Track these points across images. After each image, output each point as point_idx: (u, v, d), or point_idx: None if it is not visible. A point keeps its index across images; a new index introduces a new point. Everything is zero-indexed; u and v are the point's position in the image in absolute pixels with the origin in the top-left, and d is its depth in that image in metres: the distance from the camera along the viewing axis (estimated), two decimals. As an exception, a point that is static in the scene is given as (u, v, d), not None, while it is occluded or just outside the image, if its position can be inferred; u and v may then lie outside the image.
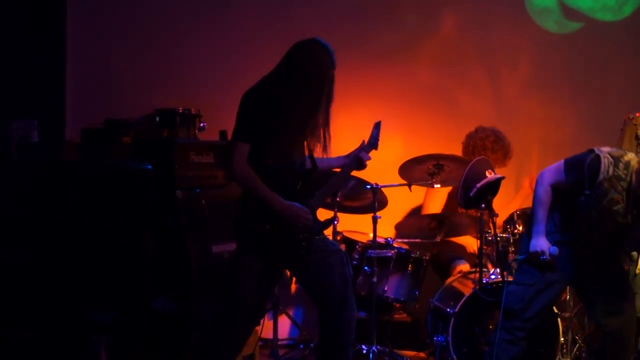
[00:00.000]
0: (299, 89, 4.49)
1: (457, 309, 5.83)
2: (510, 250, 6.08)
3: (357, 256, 6.24)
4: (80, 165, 5.17)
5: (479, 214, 5.90)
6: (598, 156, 4.69)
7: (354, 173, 5.05)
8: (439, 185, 6.25)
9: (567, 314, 5.98)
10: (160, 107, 6.43)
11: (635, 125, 5.77)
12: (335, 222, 6.24)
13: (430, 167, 6.24)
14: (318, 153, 4.70)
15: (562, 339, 5.87)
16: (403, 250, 6.28)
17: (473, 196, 5.65)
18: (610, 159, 4.67)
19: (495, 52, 7.37)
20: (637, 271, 5.62)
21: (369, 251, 6.10)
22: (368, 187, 6.17)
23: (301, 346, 6.74)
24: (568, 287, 5.83)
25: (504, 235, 6.11)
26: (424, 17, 7.30)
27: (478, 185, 5.60)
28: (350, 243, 6.35)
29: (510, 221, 6.18)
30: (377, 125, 4.86)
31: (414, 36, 7.28)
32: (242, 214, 4.60)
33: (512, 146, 6.69)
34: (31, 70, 6.53)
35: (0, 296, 4.95)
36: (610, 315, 4.96)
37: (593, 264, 4.94)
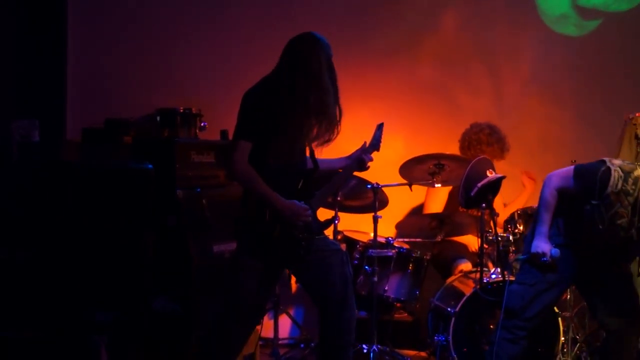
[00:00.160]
0: (297, 86, 4.49)
1: (457, 309, 5.83)
2: (511, 250, 6.08)
3: (357, 255, 6.24)
4: (81, 165, 5.17)
5: (479, 214, 5.90)
6: (609, 169, 4.68)
7: (355, 173, 5.05)
8: (439, 185, 6.25)
9: (567, 314, 5.97)
10: (160, 107, 6.45)
11: (635, 125, 5.77)
12: (336, 222, 6.23)
13: (431, 166, 6.24)
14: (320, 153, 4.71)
15: (562, 338, 5.86)
16: (404, 250, 6.28)
17: (474, 195, 5.65)
18: (621, 173, 4.66)
19: (496, 51, 7.37)
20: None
21: (370, 250, 6.10)
22: (369, 186, 6.18)
23: (302, 345, 6.74)
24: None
25: (505, 234, 6.11)
26: (424, 16, 7.30)
27: (479, 184, 5.60)
28: (351, 242, 6.35)
29: (511, 221, 6.18)
30: (380, 127, 4.87)
31: (414, 35, 7.28)
32: (243, 213, 4.60)
33: (508, 141, 6.68)
34: (32, 70, 6.53)
35: (0, 296, 4.95)
36: (613, 315, 4.96)
37: (595, 266, 4.94)
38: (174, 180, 5.64)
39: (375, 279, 6.05)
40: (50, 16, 6.59)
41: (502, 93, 7.38)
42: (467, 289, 6.01)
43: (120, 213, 5.01)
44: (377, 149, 4.84)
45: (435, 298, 6.20)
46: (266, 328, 6.54)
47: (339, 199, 6.27)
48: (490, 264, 6.25)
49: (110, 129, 6.07)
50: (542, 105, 7.32)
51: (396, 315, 6.70)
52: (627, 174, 4.67)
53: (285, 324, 6.94)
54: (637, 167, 4.75)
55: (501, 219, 6.32)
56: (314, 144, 4.63)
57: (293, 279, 6.68)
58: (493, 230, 5.79)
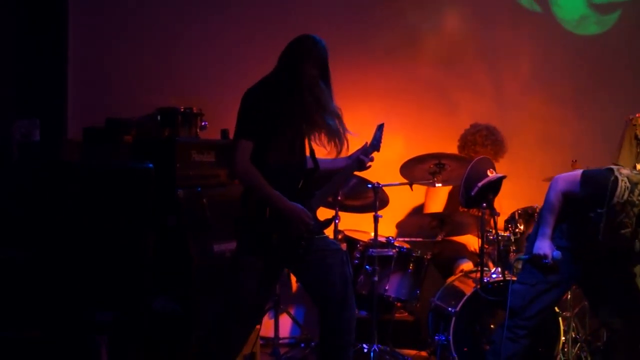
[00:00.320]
0: (293, 86, 4.50)
1: (458, 308, 5.83)
2: (512, 249, 6.08)
3: (358, 255, 6.24)
4: (81, 165, 5.16)
5: (480, 213, 5.90)
6: (617, 178, 4.66)
7: (356, 172, 5.05)
8: (440, 185, 6.25)
9: (568, 314, 5.97)
10: (161, 106, 6.43)
11: (635, 125, 5.77)
12: (337, 221, 6.24)
13: (431, 166, 6.24)
14: (332, 154, 4.71)
15: (563, 338, 5.86)
16: (404, 250, 6.28)
17: (474, 195, 5.65)
18: (628, 183, 4.64)
19: (496, 50, 7.37)
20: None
21: (370, 250, 6.10)
22: (369, 186, 6.18)
23: (302, 345, 6.74)
24: (568, 286, 5.82)
25: (505, 234, 6.10)
26: (425, 15, 7.30)
27: (479, 184, 5.60)
28: (352, 242, 6.36)
29: (511, 220, 6.17)
30: (380, 128, 4.87)
31: (415, 35, 7.28)
32: (243, 213, 4.60)
33: (508, 142, 6.68)
34: (32, 69, 6.53)
35: (1, 296, 4.95)
36: (616, 315, 4.96)
37: (597, 269, 4.94)
38: (174, 179, 5.63)
39: (376, 278, 6.05)
40: (50, 16, 6.59)
41: (503, 92, 7.38)
42: (468, 288, 6.01)
43: (120, 213, 5.01)
44: (378, 149, 4.84)
45: (435, 298, 6.20)
46: (267, 327, 6.55)
47: (339, 198, 6.27)
48: (490, 264, 6.25)
49: (111, 128, 6.06)
50: (542, 105, 7.32)
51: (397, 315, 6.70)
52: (634, 185, 4.65)
53: (285, 323, 6.94)
54: None
55: (502, 218, 6.31)
56: (328, 149, 4.64)
57: (293, 278, 6.67)
58: (493, 229, 5.78)
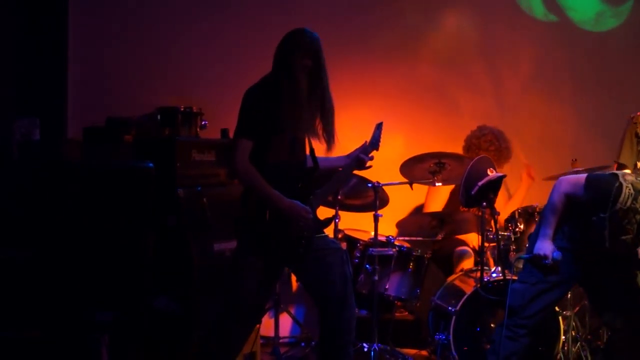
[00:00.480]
0: (283, 83, 4.50)
1: (458, 307, 5.83)
2: (512, 249, 6.08)
3: (358, 254, 6.24)
4: (81, 164, 5.16)
5: (480, 213, 5.90)
6: (621, 185, 4.66)
7: (356, 171, 5.05)
8: (440, 184, 6.25)
9: (568, 313, 5.97)
10: (161, 106, 6.44)
11: (636, 124, 5.76)
12: (337, 220, 6.24)
13: (431, 165, 6.24)
14: (321, 152, 4.71)
15: (563, 337, 5.86)
16: (404, 249, 6.28)
17: (475, 194, 5.65)
18: (632, 190, 4.63)
19: (496, 49, 7.37)
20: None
21: (370, 249, 6.10)
22: (369, 185, 6.18)
23: (302, 344, 6.74)
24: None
25: (506, 233, 6.10)
26: (425, 15, 7.30)
27: (480, 183, 5.59)
28: (352, 241, 6.35)
29: (511, 219, 6.17)
30: (379, 126, 4.86)
31: (415, 34, 7.28)
32: (243, 213, 4.60)
33: (512, 146, 6.68)
34: (33, 69, 6.53)
35: (1, 296, 4.95)
36: (618, 315, 4.95)
37: (598, 270, 4.93)
38: (174, 179, 5.63)
39: (376, 277, 6.05)
40: (51, 15, 6.59)
41: (503, 92, 7.38)
42: (468, 287, 6.01)
43: (120, 212, 5.00)
44: (377, 148, 4.84)
45: (436, 297, 6.20)
46: (267, 327, 6.55)
47: (339, 197, 6.27)
48: (491, 263, 6.25)
49: (111, 128, 6.05)
50: (542, 104, 7.32)
51: (397, 314, 6.71)
52: (637, 192, 4.63)
53: (286, 322, 6.94)
54: None
55: (502, 217, 6.32)
56: (318, 138, 4.63)
57: (294, 278, 6.68)
58: (494, 229, 5.78)
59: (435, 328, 6.14)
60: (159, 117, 6.36)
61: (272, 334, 6.61)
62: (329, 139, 4.65)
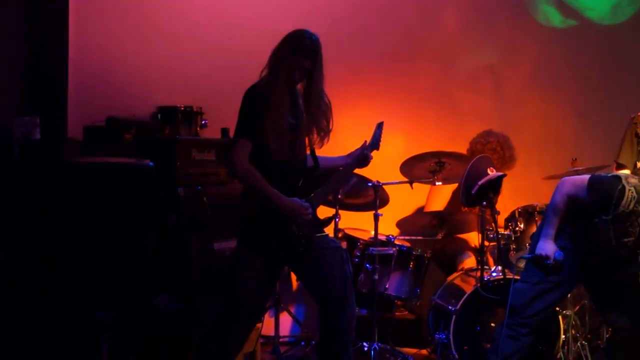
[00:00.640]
0: (279, 83, 4.50)
1: (458, 307, 5.83)
2: (512, 248, 6.08)
3: (358, 254, 6.25)
4: (82, 164, 5.16)
5: (480, 212, 5.90)
6: (624, 187, 4.65)
7: (356, 171, 5.05)
8: (440, 183, 6.26)
9: (568, 312, 5.97)
10: (161, 105, 6.45)
11: (636, 124, 5.76)
12: (337, 220, 6.25)
13: (431, 164, 6.25)
14: (321, 151, 4.71)
15: (563, 336, 5.86)
16: (405, 248, 6.28)
17: (475, 194, 5.65)
18: (635, 193, 4.62)
19: (496, 48, 7.37)
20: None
21: (371, 249, 6.10)
22: (370, 184, 6.18)
23: (302, 343, 6.74)
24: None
25: (506, 232, 6.10)
26: (426, 14, 7.29)
27: (479, 182, 5.59)
28: (352, 240, 6.36)
29: (511, 219, 6.17)
30: (380, 126, 4.86)
31: (415, 34, 7.28)
32: (243, 212, 4.60)
33: (512, 144, 6.67)
34: (33, 68, 6.53)
35: (1, 296, 4.95)
36: (619, 314, 4.95)
37: (600, 271, 4.93)
38: (174, 178, 5.64)
39: (376, 277, 6.06)
40: (51, 14, 6.58)
41: (503, 91, 7.37)
42: (468, 287, 6.02)
43: (121, 211, 5.01)
44: (377, 148, 4.84)
45: (436, 296, 6.20)
46: (267, 326, 6.54)
47: (339, 196, 6.27)
48: (491, 262, 6.26)
49: (111, 127, 6.06)
50: (542, 103, 7.32)
51: (397, 313, 6.71)
52: None
53: (286, 321, 6.94)
54: None
55: (502, 216, 6.31)
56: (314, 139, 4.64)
57: (294, 277, 6.68)
58: (494, 228, 5.78)
59: (435, 327, 6.14)
60: (159, 116, 6.38)
61: (272, 333, 6.61)
62: (323, 138, 4.65)
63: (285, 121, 4.53)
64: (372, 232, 6.16)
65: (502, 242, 5.97)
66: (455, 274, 6.32)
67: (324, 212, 5.07)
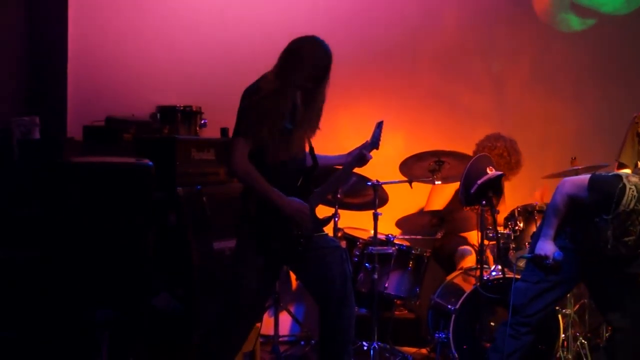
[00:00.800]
0: (286, 88, 4.49)
1: (458, 306, 5.84)
2: (511, 247, 6.08)
3: (358, 253, 6.25)
4: (81, 163, 5.16)
5: (480, 211, 5.90)
6: (624, 186, 4.65)
7: (355, 170, 5.05)
8: (439, 182, 6.25)
9: (568, 311, 5.97)
10: (161, 104, 6.45)
11: (637, 123, 5.76)
12: (336, 219, 6.25)
13: (431, 163, 6.24)
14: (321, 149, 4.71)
15: (562, 335, 5.86)
16: (404, 247, 6.29)
17: (474, 193, 5.65)
18: (635, 192, 4.62)
19: (496, 48, 7.38)
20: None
21: (370, 248, 6.10)
22: (369, 183, 6.18)
23: (302, 343, 6.74)
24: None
25: (505, 231, 6.10)
26: (425, 14, 7.29)
27: (479, 182, 5.60)
28: (351, 240, 6.36)
29: (511, 218, 6.18)
30: (379, 125, 4.85)
31: (416, 33, 7.28)
32: (242, 212, 4.60)
33: (522, 162, 6.66)
34: (33, 67, 6.52)
35: (1, 295, 4.95)
36: (619, 313, 4.95)
37: (600, 270, 4.94)
38: (174, 178, 5.64)
39: (376, 276, 6.05)
40: (51, 14, 6.58)
41: (502, 90, 7.38)
42: (468, 286, 6.02)
43: (120, 211, 5.00)
44: (377, 147, 4.83)
45: (435, 295, 6.21)
46: (266, 325, 6.55)
47: (339, 196, 6.27)
48: (490, 261, 6.26)
49: (111, 126, 6.07)
50: (541, 102, 7.33)
51: (396, 313, 6.72)
52: None
53: (285, 321, 6.94)
54: None
55: (502, 216, 6.32)
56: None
57: (293, 276, 6.68)
58: (493, 227, 5.79)
59: (434, 326, 6.15)
60: (158, 116, 6.39)
61: (271, 332, 6.60)
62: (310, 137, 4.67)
63: (285, 121, 4.53)
64: (372, 232, 6.16)
65: (501, 241, 5.97)
66: (454, 273, 6.32)
67: (323, 211, 5.07)
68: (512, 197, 6.81)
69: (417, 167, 6.29)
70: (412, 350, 6.55)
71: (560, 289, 4.99)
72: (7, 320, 4.93)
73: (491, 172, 5.70)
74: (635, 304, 4.92)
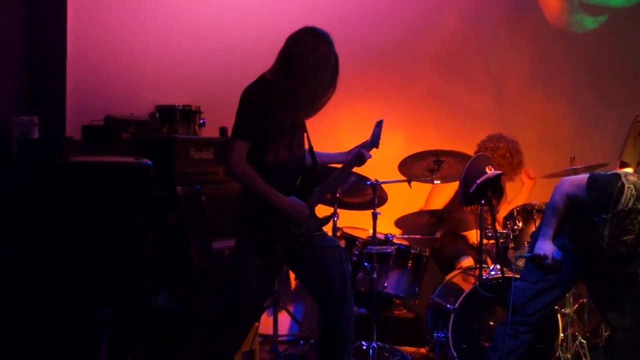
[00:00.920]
0: (293, 83, 4.48)
1: (457, 305, 5.84)
2: (510, 246, 6.09)
3: (357, 252, 6.25)
4: (80, 163, 5.15)
5: (479, 211, 5.90)
6: (623, 185, 4.65)
7: (355, 169, 5.05)
8: (438, 182, 6.25)
9: (567, 310, 5.98)
10: (160, 104, 6.45)
11: (639, 122, 5.76)
12: (335, 218, 6.25)
13: (430, 163, 6.24)
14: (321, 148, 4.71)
15: (561, 335, 5.87)
16: (403, 247, 6.29)
17: (473, 192, 5.65)
18: (634, 191, 4.62)
19: (495, 47, 7.38)
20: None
21: (369, 247, 6.10)
22: (368, 183, 6.18)
23: (301, 342, 6.74)
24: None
25: (504, 231, 6.11)
26: (424, 13, 7.30)
27: (478, 181, 5.59)
28: (350, 239, 6.37)
29: (510, 217, 6.18)
30: (379, 124, 4.85)
31: (415, 33, 7.28)
32: (241, 212, 4.60)
33: (524, 163, 6.66)
34: (32, 67, 6.52)
35: (1, 295, 4.95)
36: (618, 313, 4.95)
37: (599, 269, 4.94)
38: (173, 177, 5.63)
39: (375, 275, 6.05)
40: (50, 13, 6.58)
41: (501, 90, 7.39)
42: (467, 285, 6.02)
43: (120, 211, 5.00)
44: (377, 146, 4.83)
45: (434, 295, 6.21)
46: (266, 325, 6.55)
47: (338, 195, 6.27)
48: (489, 261, 6.26)
49: (110, 126, 6.07)
50: (541, 102, 7.34)
51: (395, 312, 6.72)
52: (639, 192, 4.64)
53: (284, 320, 6.94)
54: None
55: (501, 215, 6.32)
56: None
57: (292, 276, 6.68)
58: (492, 226, 5.79)
59: (433, 326, 6.15)
60: (157, 115, 6.39)
61: (270, 332, 6.60)
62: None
63: (285, 122, 4.53)
64: (371, 231, 6.16)
65: (500, 240, 5.97)
66: (453, 273, 6.32)
67: (322, 210, 5.07)
68: (511, 197, 6.82)
69: (416, 167, 6.29)
70: (411, 349, 6.55)
71: (559, 288, 5.00)
72: (6, 320, 4.92)
73: (490, 171, 5.69)
74: (634, 303, 4.93)
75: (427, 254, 6.37)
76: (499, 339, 5.03)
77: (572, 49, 7.38)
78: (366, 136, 4.86)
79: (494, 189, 5.67)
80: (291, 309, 7.01)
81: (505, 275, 5.71)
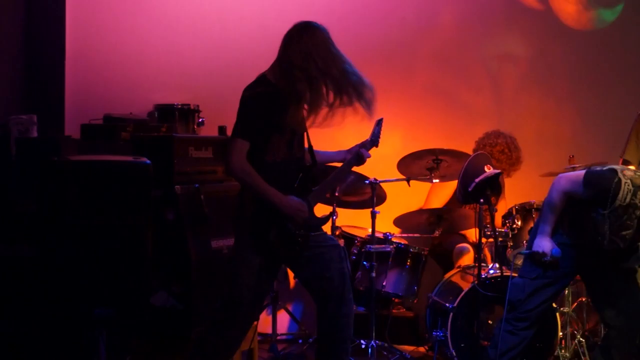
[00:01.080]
0: (294, 81, 4.48)
1: (455, 304, 5.84)
2: (509, 245, 6.09)
3: (355, 251, 6.26)
4: (79, 161, 5.15)
5: (478, 209, 5.90)
6: (620, 180, 4.65)
7: (354, 168, 5.05)
8: (437, 180, 6.26)
9: (565, 309, 5.98)
10: (158, 103, 6.45)
11: None
12: (334, 217, 6.25)
13: (429, 162, 6.25)
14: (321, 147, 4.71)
15: (560, 333, 5.87)
16: (402, 245, 6.29)
17: (472, 191, 5.65)
18: (631, 186, 4.63)
19: (494, 46, 7.37)
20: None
21: (368, 246, 6.11)
22: (367, 182, 6.18)
23: (300, 341, 6.75)
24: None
25: (503, 229, 6.11)
26: (423, 12, 7.29)
27: (477, 180, 5.59)
28: (349, 238, 6.37)
29: (509, 216, 6.18)
30: (379, 123, 4.85)
31: (413, 31, 7.28)
32: (240, 211, 4.60)
33: (522, 159, 6.68)
34: (31, 66, 6.52)
35: (0, 292, 4.95)
36: (615, 311, 4.95)
37: (597, 266, 4.94)
38: (172, 176, 5.63)
39: (374, 274, 6.06)
40: (48, 12, 6.58)
41: (500, 88, 7.38)
42: (465, 284, 6.03)
43: (118, 209, 5.00)
44: (376, 145, 4.84)
45: (433, 293, 6.21)
46: (265, 323, 6.55)
47: (337, 194, 6.28)
48: (488, 259, 6.26)
49: (109, 124, 6.06)
50: (539, 101, 7.34)
51: (394, 311, 6.72)
52: (636, 187, 4.63)
53: (283, 319, 6.94)
54: None
55: (499, 214, 6.32)
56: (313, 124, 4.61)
57: (291, 274, 6.68)
58: (491, 225, 5.79)
59: (432, 325, 6.15)
60: (156, 114, 6.39)
61: (269, 330, 6.60)
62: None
63: (285, 122, 4.52)
64: (370, 230, 6.17)
65: (499, 239, 5.97)
66: (452, 271, 6.33)
67: (321, 209, 5.07)
68: (510, 195, 6.81)
69: (415, 166, 6.30)
70: (410, 348, 6.55)
71: (558, 284, 5.00)
72: (4, 318, 4.92)
73: (489, 170, 5.70)
74: (629, 302, 4.93)
75: (426, 252, 6.37)
76: (499, 336, 5.03)
77: (571, 47, 7.38)
78: (366, 135, 4.86)
79: (493, 188, 5.67)
80: (290, 308, 7.02)
81: (504, 274, 5.70)
